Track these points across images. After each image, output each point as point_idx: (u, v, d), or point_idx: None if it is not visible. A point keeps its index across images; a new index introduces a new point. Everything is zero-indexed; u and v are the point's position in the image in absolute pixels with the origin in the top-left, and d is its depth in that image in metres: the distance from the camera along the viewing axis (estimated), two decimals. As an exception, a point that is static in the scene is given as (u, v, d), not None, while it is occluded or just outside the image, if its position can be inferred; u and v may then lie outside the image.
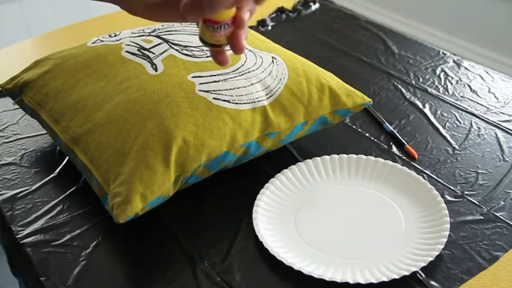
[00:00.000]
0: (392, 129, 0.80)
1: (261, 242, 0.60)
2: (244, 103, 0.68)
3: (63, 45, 0.81)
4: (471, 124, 0.81)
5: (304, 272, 0.57)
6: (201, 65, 0.72)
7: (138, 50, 0.75)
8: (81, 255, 0.61)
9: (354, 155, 0.72)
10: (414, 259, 0.58)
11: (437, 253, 0.58)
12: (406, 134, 0.79)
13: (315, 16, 1.16)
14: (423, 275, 0.58)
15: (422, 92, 0.89)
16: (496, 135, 0.79)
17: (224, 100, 0.68)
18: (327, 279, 0.56)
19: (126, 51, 0.75)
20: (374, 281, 0.56)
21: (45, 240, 0.63)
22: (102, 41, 0.79)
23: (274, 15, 1.14)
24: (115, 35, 0.80)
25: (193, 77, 0.70)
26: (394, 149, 0.77)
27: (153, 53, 0.74)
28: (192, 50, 0.75)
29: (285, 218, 0.65)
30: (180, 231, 0.64)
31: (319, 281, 0.56)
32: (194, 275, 0.59)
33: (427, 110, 0.85)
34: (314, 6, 1.18)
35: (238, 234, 0.64)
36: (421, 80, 0.92)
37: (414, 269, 0.57)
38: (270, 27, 1.10)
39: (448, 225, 0.61)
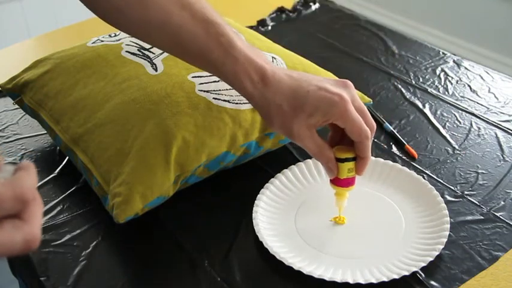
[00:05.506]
0: (392, 129, 0.80)
1: (261, 242, 0.60)
2: (244, 103, 0.68)
3: (63, 45, 0.81)
4: (471, 124, 0.81)
5: (304, 272, 0.57)
6: (201, 65, 0.72)
7: (138, 49, 0.75)
8: (81, 255, 0.61)
9: (354, 155, 0.72)
10: (414, 259, 0.58)
11: (437, 253, 0.58)
12: (406, 134, 0.79)
13: (315, 16, 1.16)
14: (423, 275, 0.58)
15: (422, 92, 0.89)
16: (496, 135, 0.79)
17: (224, 100, 0.67)
18: (327, 279, 0.56)
19: (126, 51, 0.75)
20: (374, 281, 0.56)
21: (45, 240, 0.63)
22: (102, 41, 0.79)
23: (274, 15, 1.14)
24: (115, 35, 0.80)
25: (193, 77, 0.70)
26: (394, 149, 0.76)
27: (153, 52, 0.74)
28: (192, 50, 0.75)
29: (285, 218, 0.65)
30: (180, 231, 0.64)
31: (319, 281, 0.56)
32: (194, 275, 0.59)
33: (427, 110, 0.85)
34: (314, 6, 1.18)
35: (238, 234, 0.64)
36: (421, 80, 0.92)
37: (414, 269, 0.57)
38: (270, 27, 1.10)
39: (448, 225, 0.61)
